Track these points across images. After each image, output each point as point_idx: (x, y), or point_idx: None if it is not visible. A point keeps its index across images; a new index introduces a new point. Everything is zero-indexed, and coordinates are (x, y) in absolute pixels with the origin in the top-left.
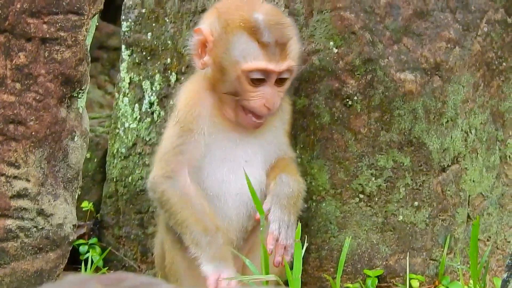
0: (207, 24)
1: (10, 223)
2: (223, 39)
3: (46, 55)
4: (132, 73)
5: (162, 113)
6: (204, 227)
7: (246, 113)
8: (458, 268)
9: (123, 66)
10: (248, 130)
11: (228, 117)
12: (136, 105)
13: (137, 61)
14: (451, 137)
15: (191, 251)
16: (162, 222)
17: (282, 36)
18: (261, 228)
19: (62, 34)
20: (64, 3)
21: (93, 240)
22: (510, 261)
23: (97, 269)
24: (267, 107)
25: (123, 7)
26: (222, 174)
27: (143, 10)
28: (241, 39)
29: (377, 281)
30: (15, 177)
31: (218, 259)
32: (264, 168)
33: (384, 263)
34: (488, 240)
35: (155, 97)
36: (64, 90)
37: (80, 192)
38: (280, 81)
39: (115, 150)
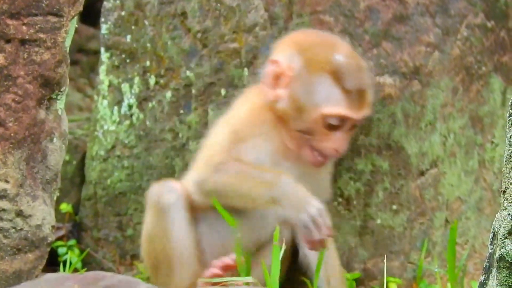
0: (285, 57)
1: None
2: (304, 78)
3: (25, 57)
4: (111, 76)
5: (141, 115)
6: (273, 178)
7: (312, 151)
8: (435, 271)
9: (102, 68)
10: (300, 163)
11: (288, 147)
12: (115, 107)
13: (116, 63)
14: (430, 141)
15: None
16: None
17: (363, 83)
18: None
19: (42, 35)
20: (43, 5)
21: (72, 242)
22: (487, 264)
23: (75, 271)
24: (337, 152)
25: (102, 10)
26: None
27: (123, 13)
28: (325, 82)
29: (355, 284)
30: None
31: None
32: None
33: (362, 266)
34: (466, 244)
35: (134, 100)
36: (43, 92)
37: (59, 194)
38: (352, 127)
39: (94, 153)
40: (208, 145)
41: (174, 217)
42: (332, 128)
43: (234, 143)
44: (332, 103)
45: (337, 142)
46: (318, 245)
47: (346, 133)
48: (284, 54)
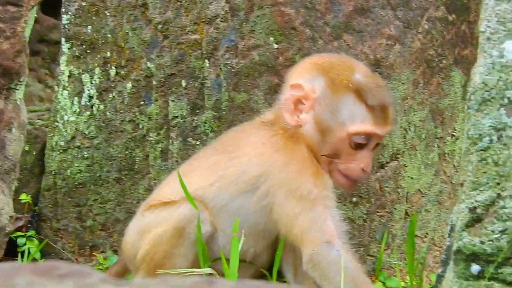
0: (306, 80)
1: None
2: (329, 98)
3: None
4: (72, 66)
5: (102, 106)
6: None
7: (342, 176)
8: (395, 264)
9: (63, 59)
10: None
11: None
12: (76, 98)
13: (77, 54)
14: (390, 134)
15: None
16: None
17: (386, 99)
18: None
19: (1, 25)
20: None
21: (31, 232)
22: (444, 257)
23: (34, 261)
24: (365, 172)
25: (63, 0)
26: None
27: (83, 3)
28: (349, 100)
29: None
30: None
31: None
32: None
33: None
34: (425, 237)
35: (95, 91)
36: (2, 82)
37: (18, 185)
38: (376, 145)
39: (54, 143)
40: (297, 214)
41: (192, 251)
42: (358, 147)
43: (317, 204)
44: (358, 121)
45: (363, 161)
46: None
47: (371, 151)
48: (305, 77)
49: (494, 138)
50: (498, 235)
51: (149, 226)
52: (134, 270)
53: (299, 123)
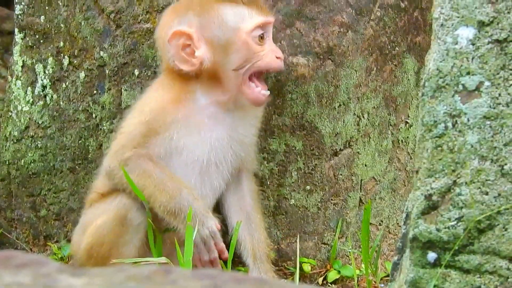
0: (177, 25)
1: None
2: (209, 20)
3: None
4: (25, 57)
5: (55, 96)
6: (173, 191)
7: (256, 85)
8: (349, 252)
9: (16, 49)
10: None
11: (223, 102)
12: (29, 88)
13: (30, 44)
14: (344, 121)
15: (168, 220)
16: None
17: None
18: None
19: None
20: None
21: None
22: (400, 244)
23: None
24: (279, 58)
25: None
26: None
27: None
28: (227, 8)
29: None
30: None
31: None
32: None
33: (276, 246)
34: (380, 225)
35: (48, 81)
36: None
37: None
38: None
39: (8, 133)
40: (121, 133)
41: (137, 237)
42: (261, 41)
43: (143, 134)
44: (247, 18)
45: (273, 51)
46: (208, 265)
47: (272, 41)
48: (174, 23)
49: (449, 125)
50: (454, 222)
51: (90, 220)
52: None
53: (198, 62)
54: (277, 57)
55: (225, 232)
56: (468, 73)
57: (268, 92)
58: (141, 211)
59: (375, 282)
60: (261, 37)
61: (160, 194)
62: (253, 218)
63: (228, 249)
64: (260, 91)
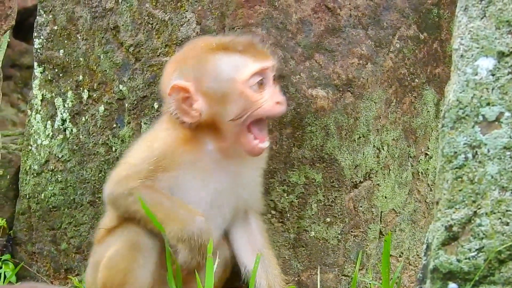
0: (175, 79)
1: None
2: (204, 73)
3: None
4: (45, 90)
5: (75, 130)
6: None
7: (254, 137)
8: (370, 284)
9: (35, 83)
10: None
11: (225, 151)
12: (49, 122)
13: (49, 78)
14: (363, 153)
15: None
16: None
17: (250, 38)
18: None
19: None
20: None
21: (6, 256)
22: (421, 275)
23: (10, 285)
24: (280, 103)
25: (35, 24)
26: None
27: (55, 27)
28: (222, 57)
29: None
30: None
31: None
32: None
33: (296, 279)
34: (400, 256)
35: (68, 114)
36: None
37: None
38: (274, 78)
39: (28, 167)
40: (125, 163)
41: (151, 261)
42: (260, 88)
43: (154, 171)
44: (242, 67)
45: (273, 96)
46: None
47: (274, 86)
48: (172, 77)
49: (469, 155)
50: (475, 253)
51: (100, 257)
52: None
53: (197, 114)
54: (277, 102)
55: (237, 272)
56: (488, 104)
57: (267, 144)
58: (151, 236)
59: None
60: (260, 84)
61: (172, 222)
62: (266, 254)
63: (243, 286)
64: (257, 144)
